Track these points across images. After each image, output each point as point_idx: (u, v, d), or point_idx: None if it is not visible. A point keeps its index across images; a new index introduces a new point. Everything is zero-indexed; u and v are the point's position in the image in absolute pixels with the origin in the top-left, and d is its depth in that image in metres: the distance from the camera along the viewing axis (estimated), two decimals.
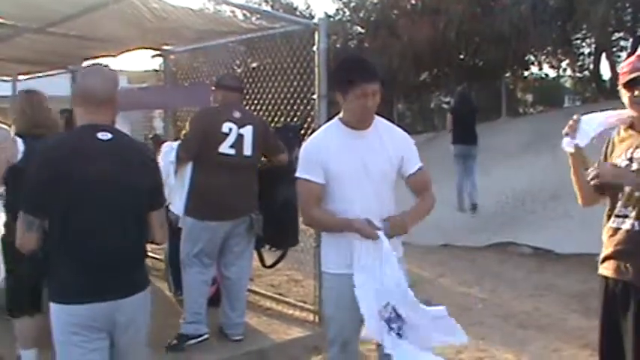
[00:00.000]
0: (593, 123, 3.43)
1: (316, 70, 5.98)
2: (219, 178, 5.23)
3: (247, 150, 5.39)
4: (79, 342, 3.08)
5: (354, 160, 3.54)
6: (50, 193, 3.02)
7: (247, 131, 5.39)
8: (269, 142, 5.61)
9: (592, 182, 3.37)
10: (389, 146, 3.67)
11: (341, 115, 3.65)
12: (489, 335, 6.19)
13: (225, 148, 5.29)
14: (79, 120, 3.21)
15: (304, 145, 3.65)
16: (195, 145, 5.29)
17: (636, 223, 3.27)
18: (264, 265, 6.37)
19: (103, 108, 3.18)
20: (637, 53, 3.39)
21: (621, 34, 19.13)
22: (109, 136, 3.14)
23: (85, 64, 8.76)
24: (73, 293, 3.06)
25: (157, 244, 3.63)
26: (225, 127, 5.30)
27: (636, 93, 3.29)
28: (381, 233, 3.45)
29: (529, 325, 6.50)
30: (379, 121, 3.69)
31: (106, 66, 3.48)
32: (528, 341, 6.03)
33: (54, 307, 3.11)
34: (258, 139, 5.44)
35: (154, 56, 8.35)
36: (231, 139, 5.29)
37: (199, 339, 5.38)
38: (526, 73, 23.15)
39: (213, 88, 5.69)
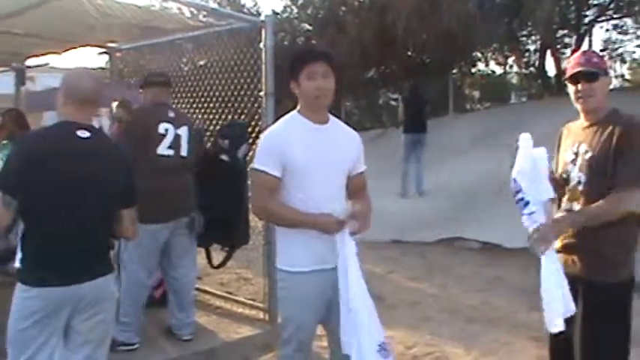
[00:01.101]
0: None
1: (263, 67, 5.95)
2: (157, 181, 5.06)
3: (184, 150, 5.35)
4: (37, 322, 3.18)
5: (319, 153, 3.47)
6: (25, 181, 3.15)
7: (184, 131, 5.36)
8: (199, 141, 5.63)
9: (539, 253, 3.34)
10: (348, 145, 3.67)
11: (299, 107, 3.57)
12: (439, 330, 6.25)
13: (163, 149, 5.23)
14: (61, 115, 3.38)
15: (263, 136, 3.55)
16: (132, 147, 5.17)
17: None
18: (211, 266, 6.30)
19: (85, 107, 3.36)
20: (582, 49, 3.45)
21: (565, 32, 19.46)
22: (87, 134, 3.29)
23: (29, 62, 8.71)
24: (38, 277, 3.19)
25: (127, 239, 3.89)
26: (162, 127, 5.24)
27: (579, 87, 3.38)
28: (346, 232, 3.39)
29: (479, 319, 6.56)
30: (333, 118, 3.65)
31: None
32: (478, 335, 6.09)
33: (20, 287, 3.23)
34: (193, 139, 5.42)
35: (100, 54, 8.25)
36: (168, 140, 5.24)
37: (129, 347, 5.25)
38: (473, 70, 23.40)
39: (140, 90, 5.63)
